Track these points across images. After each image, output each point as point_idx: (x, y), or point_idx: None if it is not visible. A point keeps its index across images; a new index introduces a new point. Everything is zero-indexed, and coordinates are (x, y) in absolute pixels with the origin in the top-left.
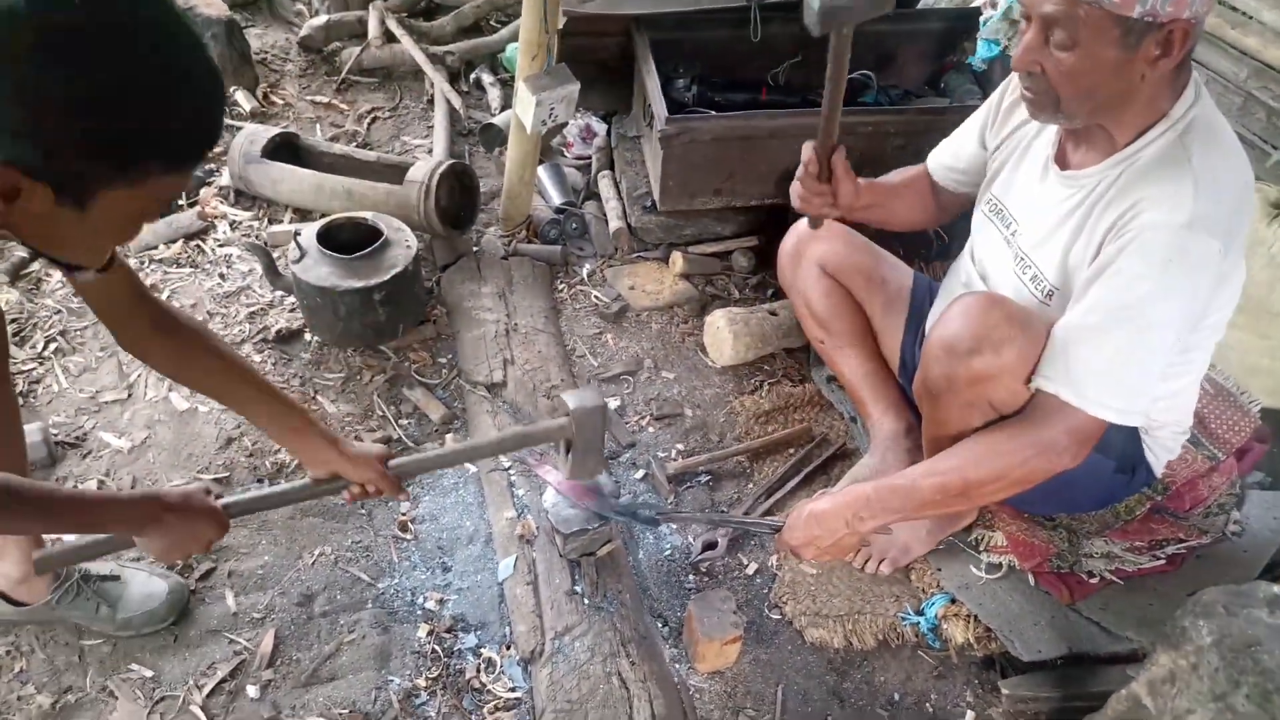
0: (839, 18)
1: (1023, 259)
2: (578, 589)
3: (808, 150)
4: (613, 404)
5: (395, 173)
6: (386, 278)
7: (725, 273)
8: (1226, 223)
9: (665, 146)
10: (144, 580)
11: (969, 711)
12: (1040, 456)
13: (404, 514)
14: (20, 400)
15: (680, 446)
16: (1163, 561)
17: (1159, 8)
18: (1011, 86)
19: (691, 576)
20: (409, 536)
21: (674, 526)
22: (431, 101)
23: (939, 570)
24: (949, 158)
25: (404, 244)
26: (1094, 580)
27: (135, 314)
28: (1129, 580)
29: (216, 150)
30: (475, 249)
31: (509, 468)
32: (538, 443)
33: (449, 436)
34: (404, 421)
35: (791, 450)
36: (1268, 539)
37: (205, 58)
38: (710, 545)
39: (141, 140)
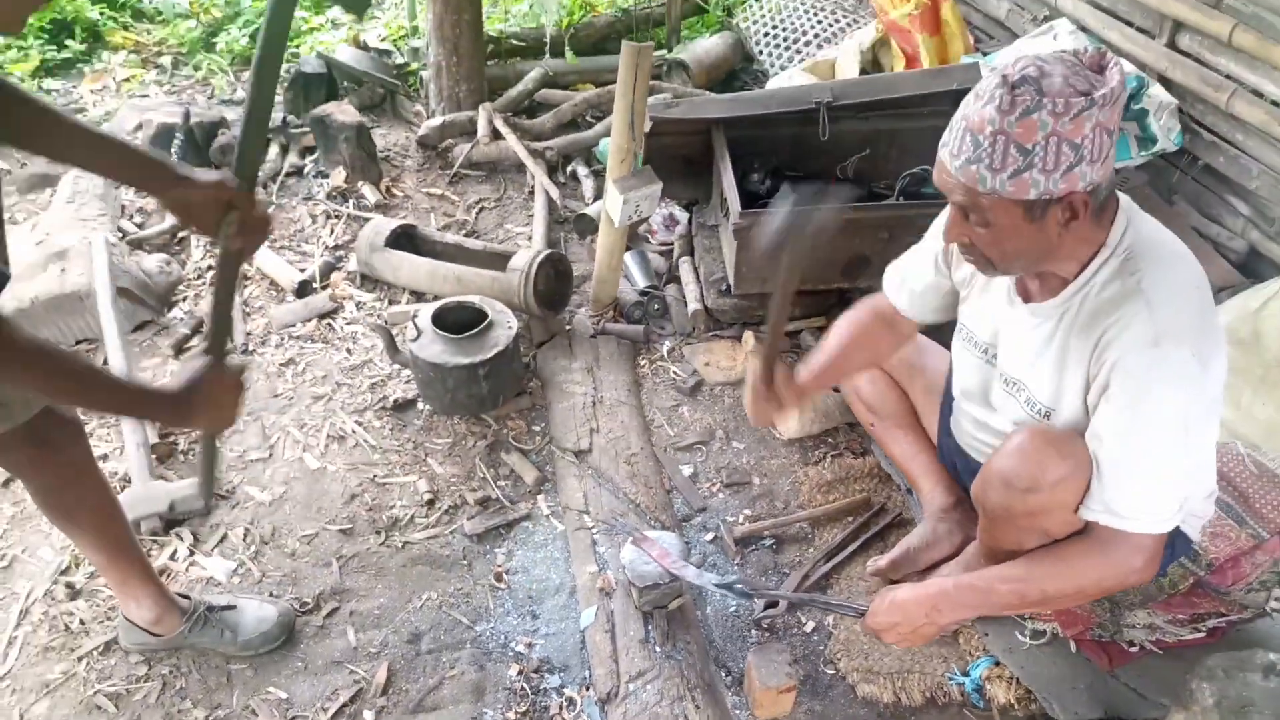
0: (789, 238)
1: (1013, 382)
2: (650, 638)
3: (753, 361)
4: (686, 471)
5: (499, 260)
6: (490, 355)
7: (794, 351)
8: (1191, 326)
9: (739, 237)
10: (256, 607)
11: None
12: (1115, 575)
13: (499, 566)
14: (182, 458)
15: (748, 512)
16: (1203, 634)
17: (1051, 188)
18: None
19: (754, 631)
20: (503, 586)
21: (740, 586)
22: (532, 192)
23: (986, 634)
24: (914, 284)
25: (506, 325)
26: (1134, 649)
27: None
28: (1168, 650)
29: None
30: (568, 328)
31: (593, 527)
32: None
33: (540, 497)
34: (501, 483)
35: (850, 518)
36: None
37: None
38: (772, 604)
39: None
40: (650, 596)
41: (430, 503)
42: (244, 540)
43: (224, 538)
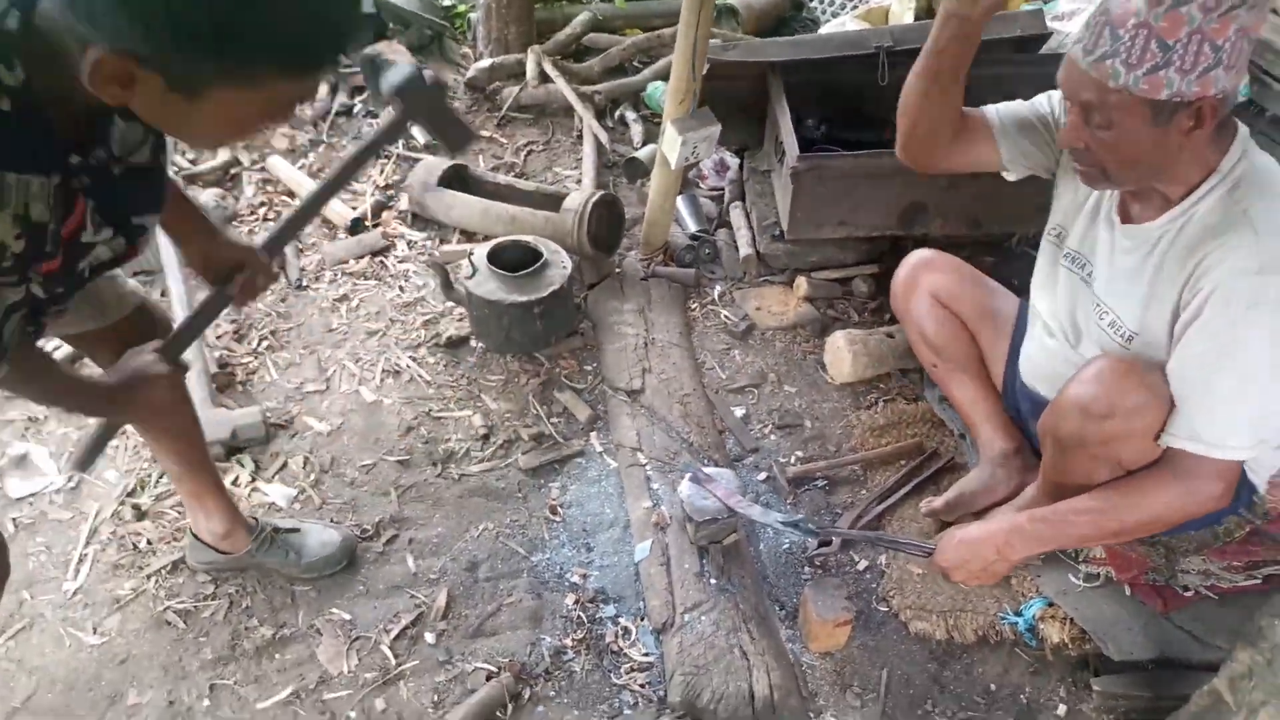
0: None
1: (1099, 305)
2: (705, 572)
3: None
4: (739, 412)
5: (552, 201)
6: (545, 294)
7: (845, 297)
8: None
9: (795, 181)
10: (320, 531)
11: (1061, 705)
12: (1196, 502)
13: (553, 500)
14: (240, 388)
15: (800, 453)
16: (1259, 582)
17: (1185, 89)
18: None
19: (807, 568)
20: (558, 519)
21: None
22: (580, 136)
23: (1038, 576)
24: (1008, 139)
25: (560, 264)
26: (1188, 594)
27: None
28: (1223, 596)
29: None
30: (618, 270)
31: (645, 464)
32: (376, 152)
33: (592, 435)
34: (554, 420)
35: (903, 461)
36: None
37: None
38: (825, 543)
39: (253, 39)
40: (707, 531)
41: (485, 437)
42: (304, 469)
43: (284, 466)
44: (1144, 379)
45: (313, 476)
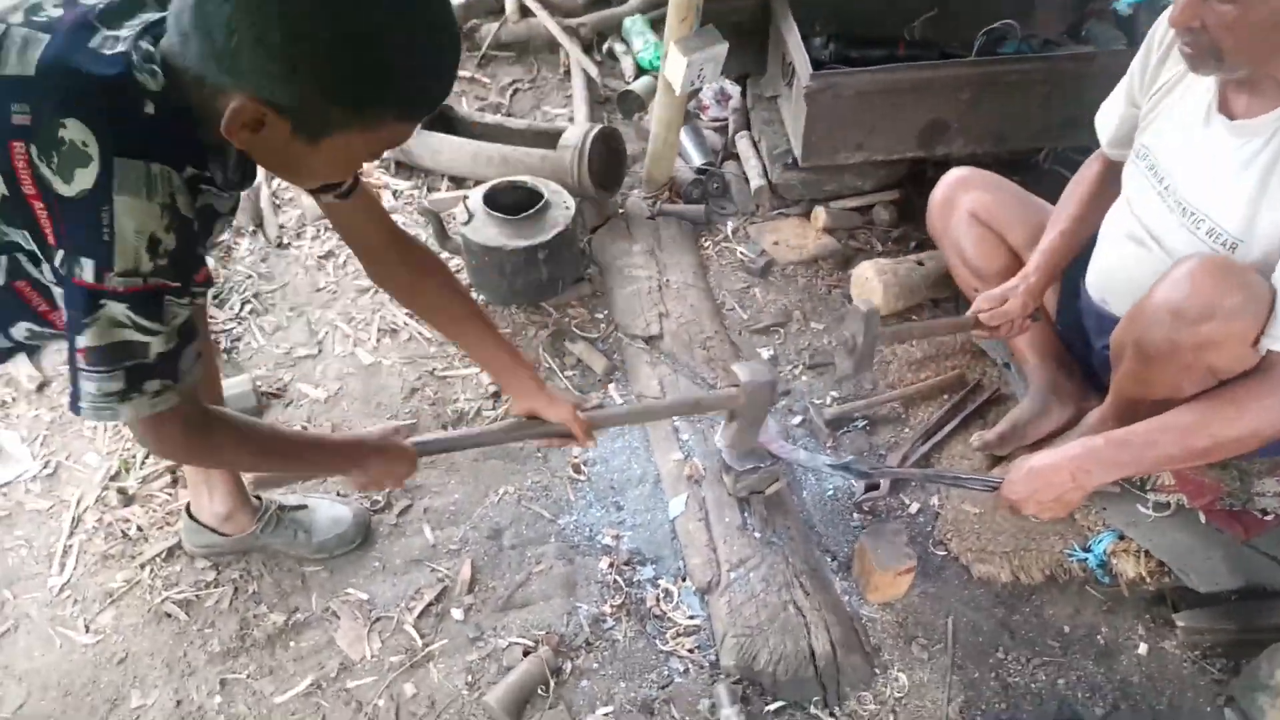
0: None
1: (1191, 213)
2: (749, 525)
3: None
4: (765, 354)
5: (546, 139)
6: (549, 236)
7: (866, 226)
8: None
9: (810, 102)
10: (329, 507)
11: (1142, 644)
12: None
13: (575, 457)
14: (225, 356)
15: (834, 394)
16: None
17: None
18: (1158, 39)
19: (855, 515)
20: (583, 478)
21: (859, 466)
22: (568, 72)
23: (1104, 509)
24: (1124, 135)
25: (563, 205)
26: (1269, 517)
27: (376, 239)
28: None
29: None
30: (621, 211)
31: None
32: (708, 410)
33: (611, 386)
34: (569, 373)
35: (945, 396)
36: None
37: (450, 14)
38: (874, 486)
39: (385, 87)
40: (748, 481)
41: (496, 395)
42: None
43: None
44: (1242, 277)
45: None
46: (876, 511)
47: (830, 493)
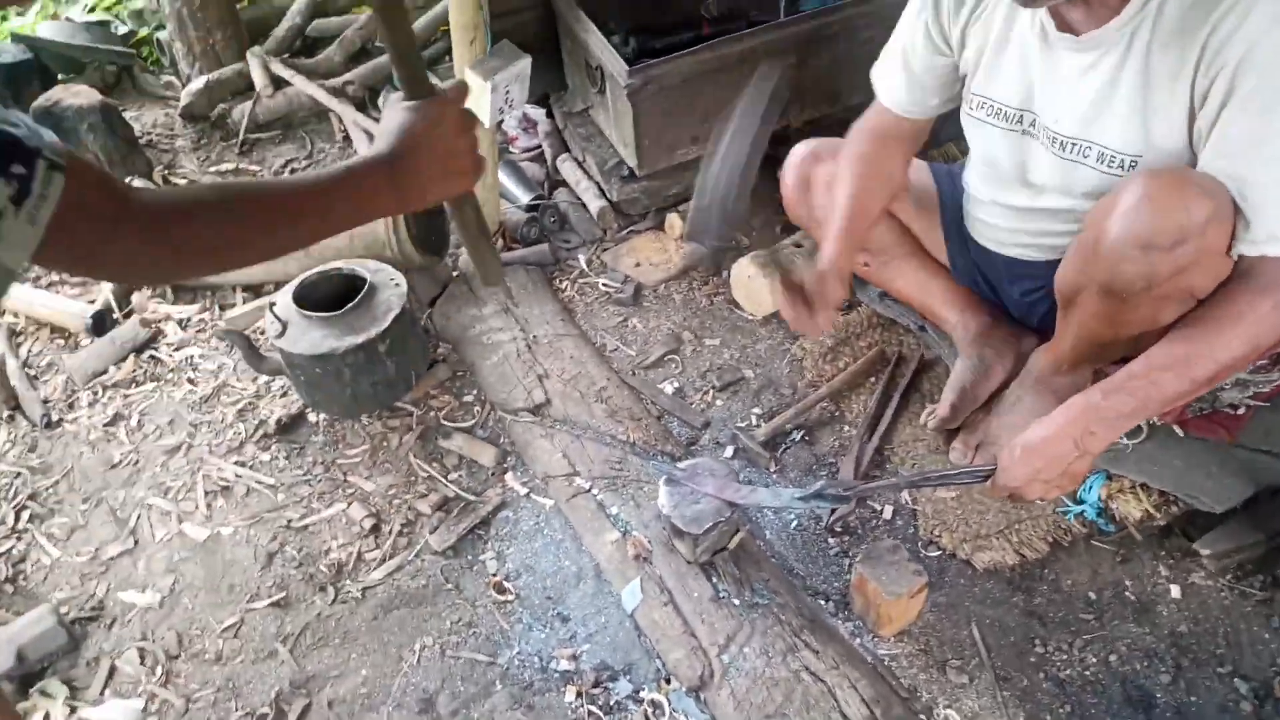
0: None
1: (1073, 145)
2: (722, 592)
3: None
4: (669, 389)
5: None
6: (386, 325)
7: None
8: None
9: (634, 102)
10: None
11: (1173, 586)
12: None
13: (494, 576)
14: (10, 589)
15: (757, 411)
16: None
17: None
18: None
19: (830, 540)
20: (509, 596)
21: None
22: (347, 138)
23: None
24: (914, 91)
25: (391, 284)
26: (1241, 412)
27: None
28: (1273, 400)
29: None
30: (455, 274)
31: (590, 489)
32: None
33: (508, 476)
34: (454, 475)
35: (872, 379)
36: None
37: None
38: (840, 500)
39: None
40: (708, 541)
41: (374, 530)
42: (143, 665)
43: (113, 671)
44: (1199, 184)
45: (159, 671)
46: (851, 530)
47: (795, 524)
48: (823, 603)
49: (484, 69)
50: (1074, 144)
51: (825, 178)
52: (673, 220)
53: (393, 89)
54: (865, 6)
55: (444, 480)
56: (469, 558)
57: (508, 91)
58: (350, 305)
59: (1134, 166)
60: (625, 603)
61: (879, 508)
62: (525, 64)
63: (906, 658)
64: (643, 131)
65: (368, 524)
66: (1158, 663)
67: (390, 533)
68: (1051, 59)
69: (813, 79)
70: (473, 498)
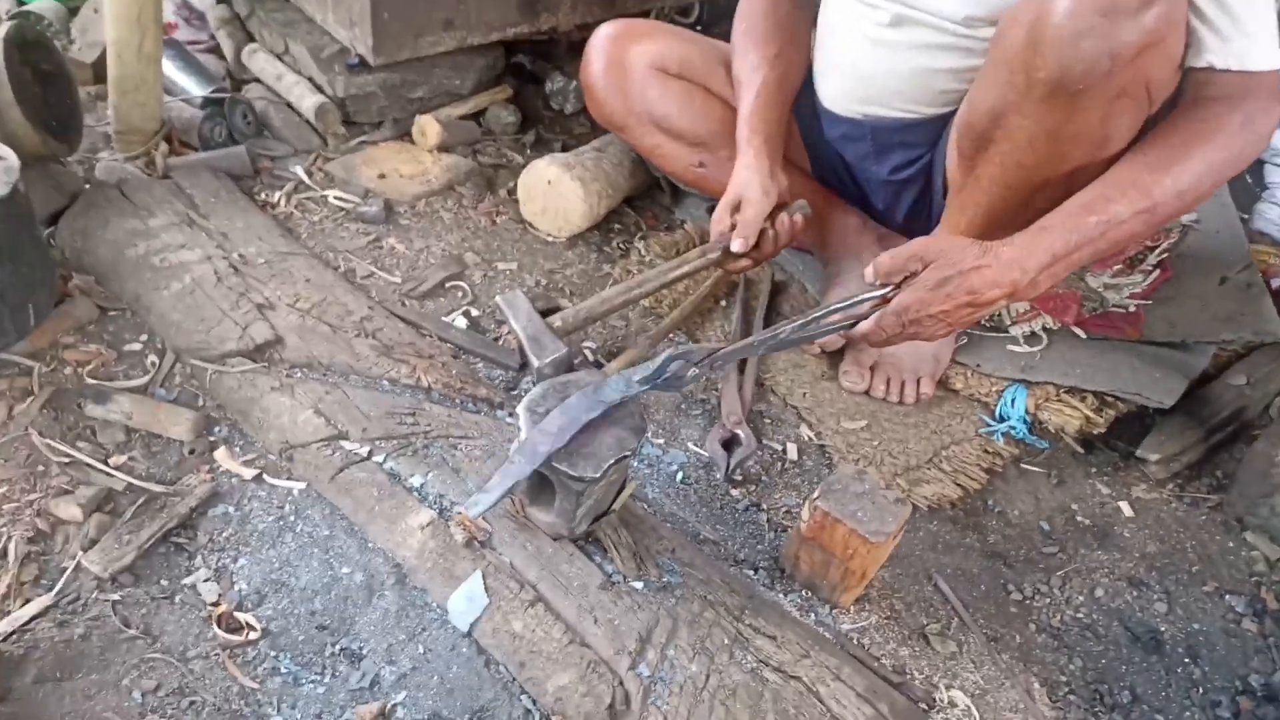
0: None
1: None
2: (614, 576)
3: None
4: (461, 322)
5: None
6: None
7: (490, 136)
8: None
9: None
10: None
11: (1121, 503)
12: (1260, 134)
13: (214, 605)
14: None
15: (591, 345)
16: (1158, 272)
17: None
18: None
19: (735, 492)
20: (250, 635)
21: (661, 441)
22: None
23: (978, 366)
24: None
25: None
26: (1134, 310)
27: None
28: (1154, 296)
29: None
30: (89, 185)
31: (370, 454)
32: None
33: (218, 453)
34: (120, 459)
35: (723, 303)
36: (1228, 219)
37: None
38: (731, 443)
39: None
40: (592, 499)
41: None
42: None
43: None
44: None
45: None
46: (753, 477)
47: (679, 477)
48: (750, 573)
49: None
50: None
51: (645, 59)
52: (425, 125)
53: None
54: None
55: (101, 466)
56: (164, 582)
57: None
58: None
59: None
60: (456, 616)
61: (779, 446)
62: None
63: (875, 630)
64: (382, 3)
65: None
66: (1147, 591)
67: (10, 559)
68: None
69: None
70: (159, 489)
